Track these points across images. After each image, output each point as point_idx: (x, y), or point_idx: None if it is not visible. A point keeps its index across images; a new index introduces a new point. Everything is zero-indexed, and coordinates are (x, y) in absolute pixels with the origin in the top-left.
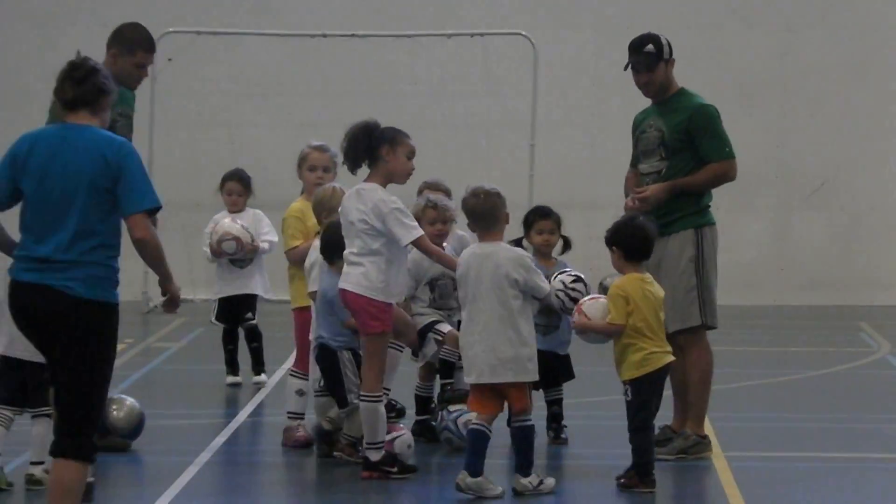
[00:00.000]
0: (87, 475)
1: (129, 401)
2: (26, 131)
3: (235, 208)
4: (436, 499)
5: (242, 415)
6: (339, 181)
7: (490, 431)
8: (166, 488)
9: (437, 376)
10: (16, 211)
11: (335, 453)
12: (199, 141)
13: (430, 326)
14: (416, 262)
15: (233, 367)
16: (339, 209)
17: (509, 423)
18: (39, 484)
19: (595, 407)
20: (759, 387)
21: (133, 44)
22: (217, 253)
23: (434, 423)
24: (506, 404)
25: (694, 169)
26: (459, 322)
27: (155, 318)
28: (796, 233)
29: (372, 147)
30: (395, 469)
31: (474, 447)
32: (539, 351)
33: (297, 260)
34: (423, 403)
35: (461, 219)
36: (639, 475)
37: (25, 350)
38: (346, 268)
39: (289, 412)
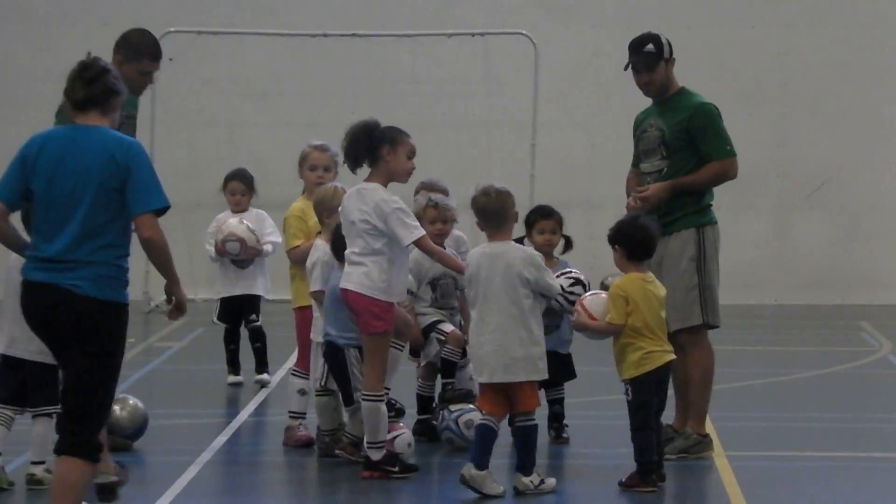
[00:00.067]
0: (90, 474)
1: (134, 401)
2: (25, 130)
3: (239, 208)
4: (437, 498)
5: (244, 414)
6: (340, 181)
7: (498, 429)
8: (167, 488)
9: (439, 376)
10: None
11: (337, 452)
12: (200, 140)
13: (432, 326)
14: (417, 262)
15: (234, 366)
16: (339, 209)
17: (511, 422)
18: (40, 483)
19: (596, 406)
20: (759, 386)
21: (139, 51)
22: (220, 252)
23: (435, 423)
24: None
25: (695, 168)
26: (461, 322)
27: (156, 318)
28: (797, 232)
29: (373, 147)
30: (396, 468)
31: (483, 443)
32: None
33: (298, 259)
34: (424, 403)
35: (461, 219)
36: (639, 475)
37: (26, 349)
38: (347, 267)
39: (290, 412)
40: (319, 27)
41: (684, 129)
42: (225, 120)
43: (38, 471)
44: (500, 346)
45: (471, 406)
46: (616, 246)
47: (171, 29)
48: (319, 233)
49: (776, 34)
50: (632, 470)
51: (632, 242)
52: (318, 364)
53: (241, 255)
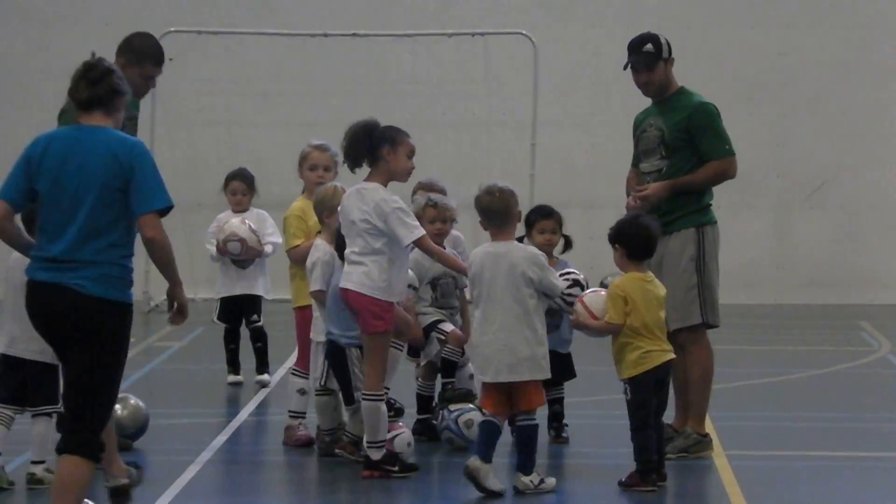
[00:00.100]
0: (91, 473)
1: (135, 401)
2: (25, 130)
3: (240, 207)
4: (437, 497)
5: (243, 414)
6: (340, 180)
7: (502, 427)
8: (167, 487)
9: (439, 375)
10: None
11: (336, 451)
12: (200, 140)
13: (432, 326)
14: (417, 262)
15: (234, 366)
16: (339, 208)
17: (512, 421)
18: (41, 483)
19: (596, 406)
20: (759, 386)
21: (142, 56)
22: (222, 252)
23: (435, 423)
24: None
25: (694, 167)
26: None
27: (156, 318)
28: (797, 232)
29: (373, 146)
30: (396, 468)
31: (487, 438)
32: None
33: (298, 259)
34: (424, 402)
35: (460, 218)
36: (639, 474)
37: (26, 349)
38: (347, 267)
39: (290, 411)
40: (320, 27)
41: (684, 128)
42: (225, 120)
43: (39, 470)
44: (506, 346)
45: (471, 406)
46: (616, 245)
47: (171, 29)
48: (319, 232)
49: (776, 34)
50: (631, 469)
51: (632, 242)
52: (317, 363)
53: (241, 255)
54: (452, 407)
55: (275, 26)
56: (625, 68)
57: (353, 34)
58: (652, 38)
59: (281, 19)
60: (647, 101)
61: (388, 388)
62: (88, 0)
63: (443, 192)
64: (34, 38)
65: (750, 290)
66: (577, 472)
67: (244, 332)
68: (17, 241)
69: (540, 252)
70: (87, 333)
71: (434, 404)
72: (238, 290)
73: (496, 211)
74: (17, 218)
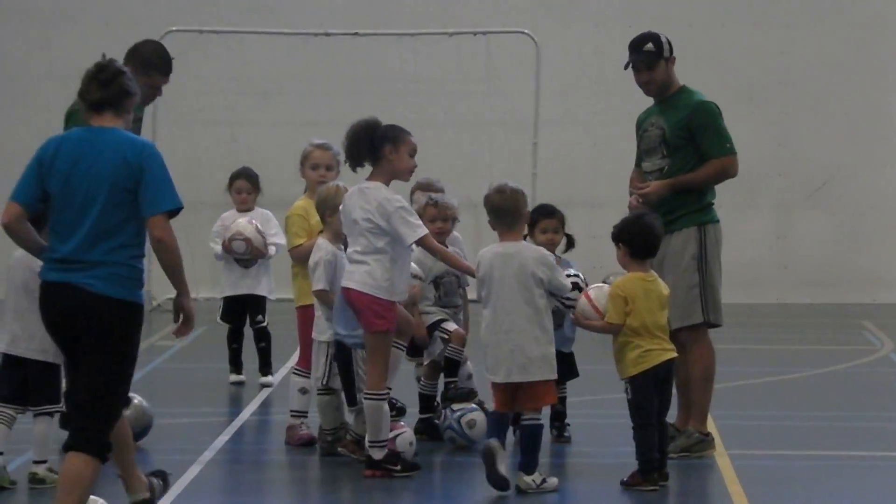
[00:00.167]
0: (97, 472)
1: (139, 400)
2: (25, 129)
3: (244, 207)
4: (438, 497)
5: (245, 413)
6: (342, 179)
7: (509, 421)
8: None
9: (442, 375)
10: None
11: (339, 449)
12: (201, 140)
13: (436, 325)
14: (419, 261)
15: (236, 365)
16: (341, 207)
17: (517, 420)
18: (42, 482)
19: (598, 405)
20: (761, 385)
21: (149, 65)
22: (227, 249)
23: (437, 422)
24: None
25: (695, 166)
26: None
27: (158, 316)
28: (798, 231)
29: (374, 146)
30: (398, 467)
31: (500, 425)
32: None
33: (300, 258)
34: (426, 401)
35: (461, 217)
36: (641, 473)
37: (27, 348)
38: (349, 266)
39: (292, 410)
40: (321, 26)
41: (685, 127)
42: (226, 119)
43: (40, 470)
44: (517, 346)
45: (473, 405)
46: (619, 244)
47: (172, 28)
48: (321, 231)
49: (776, 34)
50: (633, 469)
51: (635, 241)
52: (319, 363)
53: (245, 255)
54: (455, 406)
55: (276, 26)
56: (625, 68)
57: (355, 33)
58: (653, 37)
59: (282, 19)
60: (649, 101)
61: (390, 388)
62: (88, 0)
63: (441, 191)
64: (34, 38)
65: (751, 289)
66: (579, 472)
67: (247, 332)
68: (30, 243)
69: (548, 252)
70: (97, 333)
71: (436, 403)
72: (242, 290)
73: (506, 210)
74: None
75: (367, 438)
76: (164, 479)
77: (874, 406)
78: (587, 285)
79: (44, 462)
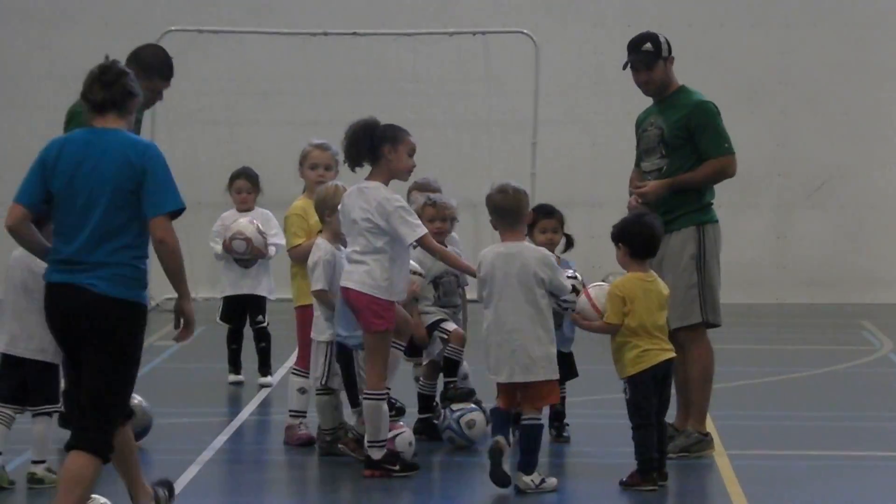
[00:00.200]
0: (99, 471)
1: (139, 400)
2: (25, 129)
3: (244, 206)
4: (437, 497)
5: (244, 413)
6: (341, 179)
7: (510, 418)
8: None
9: (441, 375)
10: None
11: (339, 447)
12: (200, 139)
13: (435, 325)
14: (418, 261)
15: (235, 365)
16: (340, 207)
17: (517, 419)
18: (41, 482)
19: (597, 405)
20: (760, 385)
21: (151, 70)
22: (227, 248)
23: (436, 422)
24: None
25: (694, 166)
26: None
27: (157, 316)
28: (798, 231)
29: (374, 145)
30: (397, 467)
31: (502, 421)
32: None
33: (299, 258)
34: (426, 401)
35: (460, 217)
36: (640, 473)
37: (26, 348)
38: (348, 266)
39: (291, 410)
40: (320, 26)
41: (683, 126)
42: (225, 119)
43: (39, 470)
44: (520, 347)
45: (473, 406)
46: (619, 244)
47: (172, 28)
48: (321, 231)
49: (776, 34)
50: (632, 468)
51: (635, 241)
52: (318, 363)
53: (245, 255)
54: (454, 407)
55: (275, 25)
56: (624, 68)
57: (354, 33)
58: (651, 37)
59: (281, 18)
60: (648, 101)
61: (389, 388)
62: (88, 0)
63: (438, 191)
64: (34, 38)
65: (750, 289)
66: (578, 472)
67: (247, 332)
68: (34, 244)
69: (550, 252)
70: (100, 333)
71: (435, 403)
72: (241, 290)
73: (508, 210)
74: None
75: (366, 438)
76: (170, 488)
77: (874, 406)
78: (584, 287)
79: (42, 462)
